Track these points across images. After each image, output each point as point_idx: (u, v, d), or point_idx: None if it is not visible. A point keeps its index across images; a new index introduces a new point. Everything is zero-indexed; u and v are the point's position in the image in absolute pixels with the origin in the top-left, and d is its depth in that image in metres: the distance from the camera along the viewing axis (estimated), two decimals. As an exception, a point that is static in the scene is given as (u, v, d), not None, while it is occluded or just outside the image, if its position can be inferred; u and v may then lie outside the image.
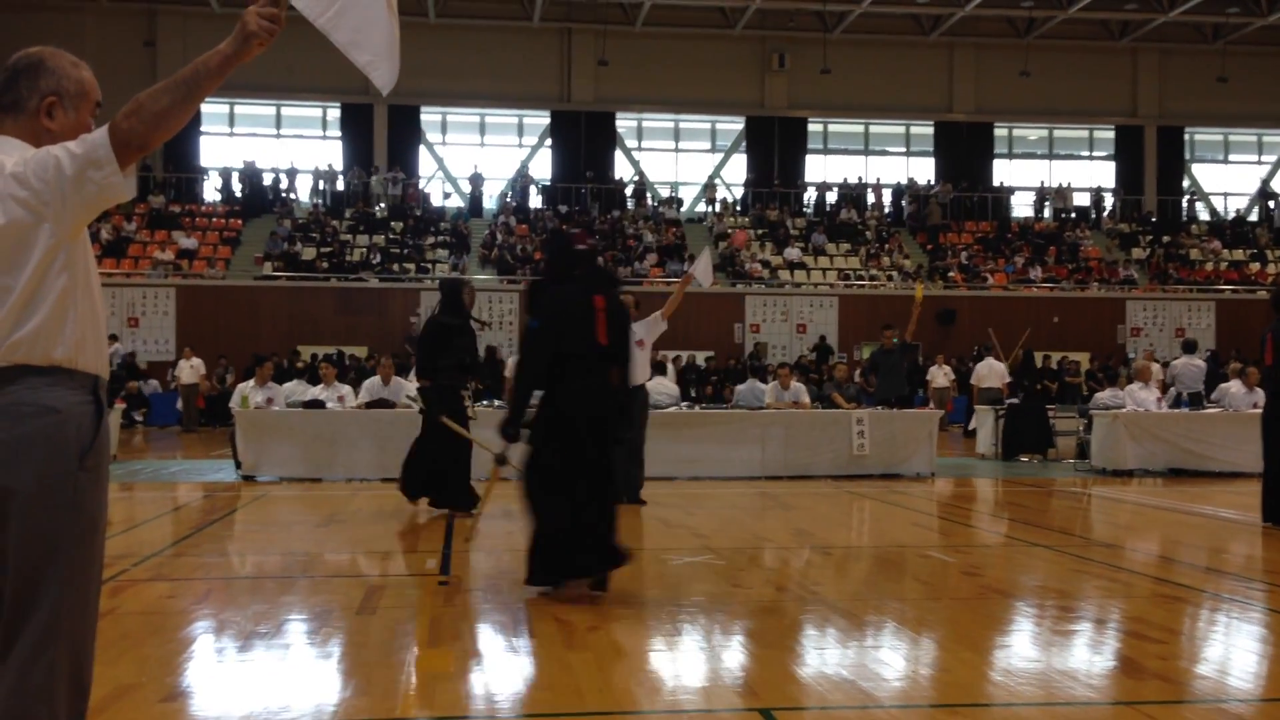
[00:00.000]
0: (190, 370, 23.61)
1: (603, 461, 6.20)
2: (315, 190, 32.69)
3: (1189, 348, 18.71)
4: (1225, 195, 37.09)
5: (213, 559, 7.77)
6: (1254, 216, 36.20)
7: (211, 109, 32.96)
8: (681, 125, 35.58)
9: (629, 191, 34.00)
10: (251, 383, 14.45)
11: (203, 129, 32.77)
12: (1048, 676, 4.66)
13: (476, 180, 33.10)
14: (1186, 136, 36.46)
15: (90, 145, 2.62)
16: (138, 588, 6.44)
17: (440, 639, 5.29)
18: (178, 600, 6.17)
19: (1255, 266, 32.56)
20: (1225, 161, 37.56)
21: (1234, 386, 15.75)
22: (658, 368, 14.83)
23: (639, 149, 35.39)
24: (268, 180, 32.56)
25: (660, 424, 12.77)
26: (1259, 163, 37.50)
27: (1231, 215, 36.04)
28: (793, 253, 31.15)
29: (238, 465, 13.31)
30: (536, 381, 6.27)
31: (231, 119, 33.70)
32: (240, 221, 30.96)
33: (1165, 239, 33.53)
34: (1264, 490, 9.78)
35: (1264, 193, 36.09)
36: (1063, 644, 5.32)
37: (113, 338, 24.71)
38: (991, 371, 20.45)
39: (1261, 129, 36.78)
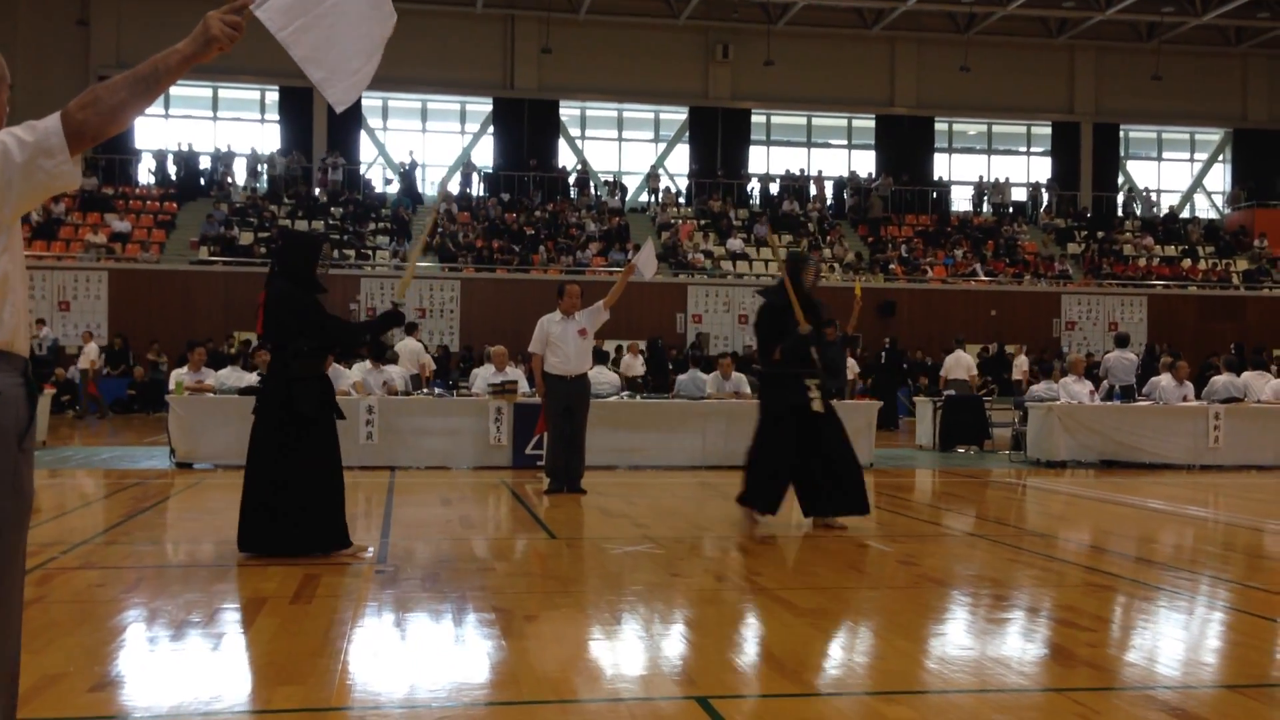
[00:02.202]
0: (83, 356, 23.33)
1: (273, 443, 6.94)
2: (253, 174, 32.24)
3: (1121, 342, 19.00)
4: (1158, 192, 37.77)
5: (144, 547, 7.65)
6: (1186, 213, 36.97)
7: (147, 90, 32.36)
8: (625, 114, 35.55)
9: (572, 180, 33.91)
10: (185, 369, 14.23)
11: (138, 110, 32.14)
12: (981, 664, 4.72)
13: (410, 168, 32.82)
14: (1121, 133, 37.08)
15: (42, 133, 2.60)
16: (66, 575, 6.32)
17: (376, 628, 5.25)
18: (107, 589, 6.06)
19: (1187, 263, 33.22)
20: (1159, 159, 38.25)
21: (1164, 380, 16.03)
22: (599, 356, 14.81)
23: (582, 138, 35.31)
24: (203, 163, 32.07)
25: (602, 413, 12.77)
26: (1191, 160, 38.24)
27: (1164, 212, 36.73)
28: (735, 244, 31.24)
29: (172, 452, 13.11)
30: None
31: (167, 100, 33.02)
32: (175, 205, 30.44)
33: (1100, 234, 34.10)
34: None
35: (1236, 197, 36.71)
36: (996, 632, 5.39)
37: (40, 322, 24.25)
38: (959, 363, 20.21)
39: (1194, 127, 37.50)
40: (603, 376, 14.41)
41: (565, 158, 34.63)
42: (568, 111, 34.82)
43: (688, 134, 35.02)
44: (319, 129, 32.78)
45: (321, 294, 7.14)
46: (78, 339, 25.94)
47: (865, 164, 35.81)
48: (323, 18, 3.23)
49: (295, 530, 6.90)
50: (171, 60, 2.75)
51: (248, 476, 6.99)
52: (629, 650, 4.96)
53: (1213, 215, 37.43)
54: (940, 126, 36.36)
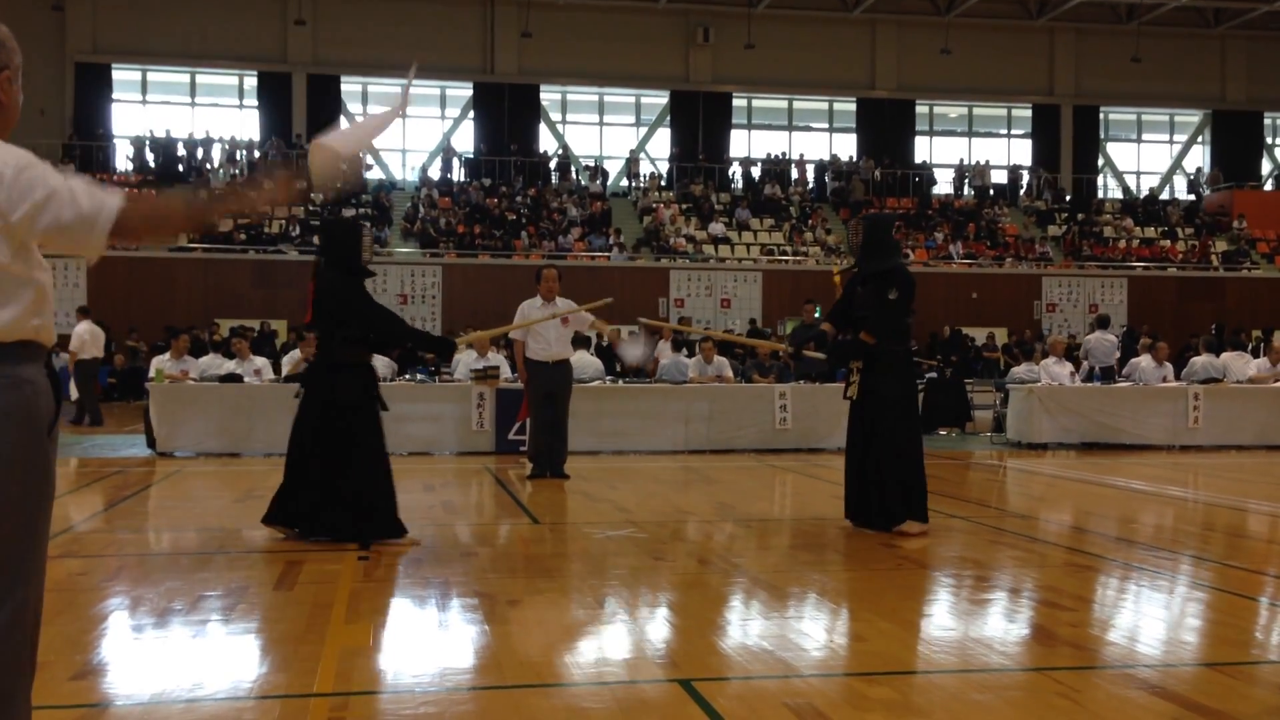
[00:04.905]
0: (73, 338, 22.98)
1: (307, 429, 7.05)
2: (231, 160, 32.03)
3: (1102, 323, 19.08)
4: (1138, 173, 37.89)
5: (126, 535, 7.61)
6: (1165, 195, 37.10)
7: (124, 76, 32.11)
8: (606, 99, 35.43)
9: (553, 165, 33.81)
10: (167, 356, 14.18)
11: (115, 96, 31.92)
12: (963, 645, 4.74)
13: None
14: (1101, 115, 37.17)
15: (95, 210, 2.61)
16: (48, 564, 6.27)
17: (359, 614, 5.24)
18: (89, 577, 6.03)
19: (1166, 244, 33.37)
20: (1138, 140, 38.36)
21: (1144, 361, 16.12)
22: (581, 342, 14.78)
23: (563, 122, 35.19)
24: (181, 150, 31.84)
25: (584, 398, 12.76)
26: (1171, 141, 38.37)
27: (1144, 193, 36.85)
28: (717, 228, 31.22)
29: (151, 441, 13.05)
30: None
31: (144, 86, 32.82)
32: (153, 192, 30.19)
33: (1080, 216, 34.20)
34: None
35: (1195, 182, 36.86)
36: (978, 613, 5.42)
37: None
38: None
39: (1173, 108, 37.61)
40: (585, 361, 14.40)
41: (546, 142, 34.50)
42: (548, 96, 34.68)
43: (669, 118, 34.93)
44: (298, 115, 32.56)
45: (369, 278, 7.30)
46: (56, 328, 25.72)
47: (846, 147, 35.79)
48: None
49: (347, 517, 6.99)
50: (231, 206, 2.96)
51: (288, 460, 7.16)
52: (612, 634, 4.97)
53: (1192, 197, 37.58)
54: (921, 109, 36.36)
